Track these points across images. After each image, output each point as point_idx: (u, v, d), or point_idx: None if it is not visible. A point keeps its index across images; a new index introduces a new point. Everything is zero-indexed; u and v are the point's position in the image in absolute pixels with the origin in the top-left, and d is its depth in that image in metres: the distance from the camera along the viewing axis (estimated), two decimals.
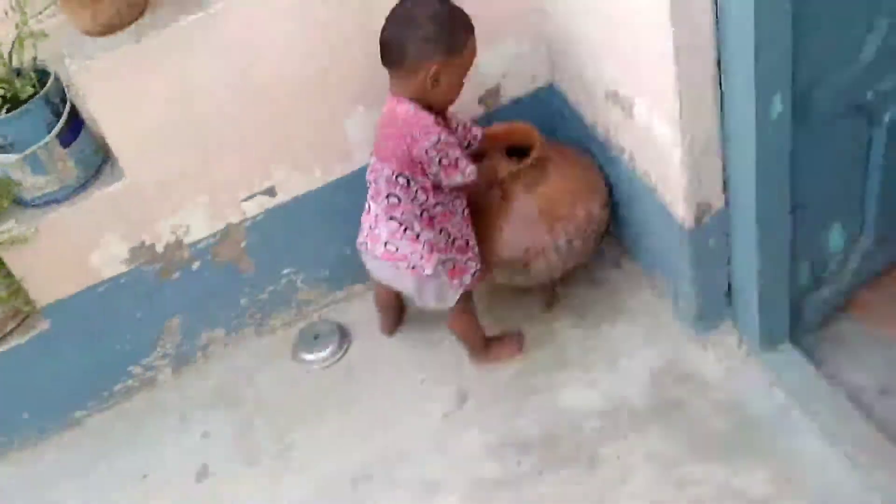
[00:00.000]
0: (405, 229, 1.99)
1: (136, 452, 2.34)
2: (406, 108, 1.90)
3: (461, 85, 1.95)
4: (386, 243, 2.02)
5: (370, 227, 2.06)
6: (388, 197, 1.97)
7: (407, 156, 1.90)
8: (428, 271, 2.01)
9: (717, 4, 1.64)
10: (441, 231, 2.03)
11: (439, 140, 1.88)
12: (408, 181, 1.94)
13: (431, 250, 2.01)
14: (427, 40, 1.85)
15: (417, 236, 2.00)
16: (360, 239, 2.10)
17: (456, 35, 1.87)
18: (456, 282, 2.09)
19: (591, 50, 2.04)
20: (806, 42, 1.65)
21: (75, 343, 2.31)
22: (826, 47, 1.71)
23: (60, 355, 2.31)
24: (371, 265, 2.12)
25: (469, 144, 2.11)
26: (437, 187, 1.98)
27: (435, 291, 2.09)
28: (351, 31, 2.09)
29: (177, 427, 2.37)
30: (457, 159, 1.92)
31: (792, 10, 1.58)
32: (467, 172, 1.95)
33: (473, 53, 1.93)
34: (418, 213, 1.99)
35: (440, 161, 1.90)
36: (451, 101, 1.98)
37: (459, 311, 2.18)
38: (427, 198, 1.98)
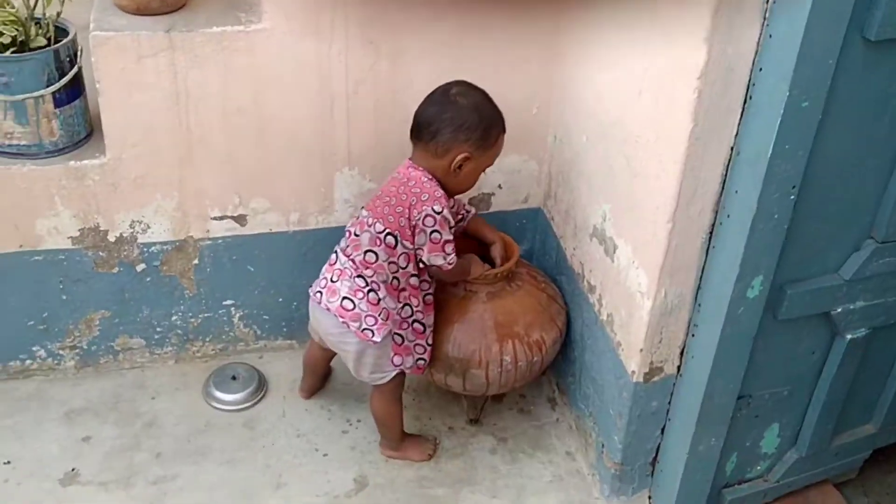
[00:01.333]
0: (370, 291, 1.95)
1: (6, 435, 2.18)
2: (422, 174, 1.90)
3: (478, 177, 1.97)
4: (344, 298, 1.96)
5: (330, 279, 2.00)
6: (366, 252, 1.93)
7: (405, 216, 1.89)
8: (377, 338, 1.96)
9: (725, 176, 1.68)
10: (404, 306, 2.00)
11: (442, 212, 1.88)
12: (396, 241, 1.91)
13: (387, 318, 1.97)
14: (462, 129, 1.86)
15: (378, 301, 1.95)
16: (315, 288, 2.04)
17: (490, 131, 1.89)
18: (398, 359, 2.04)
19: (589, 185, 2.08)
20: (798, 239, 1.70)
21: None
22: (814, 250, 1.75)
23: None
24: (318, 316, 2.04)
25: (462, 218, 2.12)
26: (419, 261, 1.95)
27: (374, 362, 2.03)
28: (369, 104, 2.12)
29: (59, 423, 2.23)
30: (446, 241, 1.91)
31: (795, 202, 1.62)
32: (449, 259, 1.93)
33: (499, 151, 1.96)
34: (389, 277, 1.95)
35: (431, 234, 1.89)
36: (464, 190, 1.99)
37: (387, 394, 2.11)
38: (407, 265, 1.95)
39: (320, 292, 2.01)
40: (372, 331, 1.96)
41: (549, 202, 2.37)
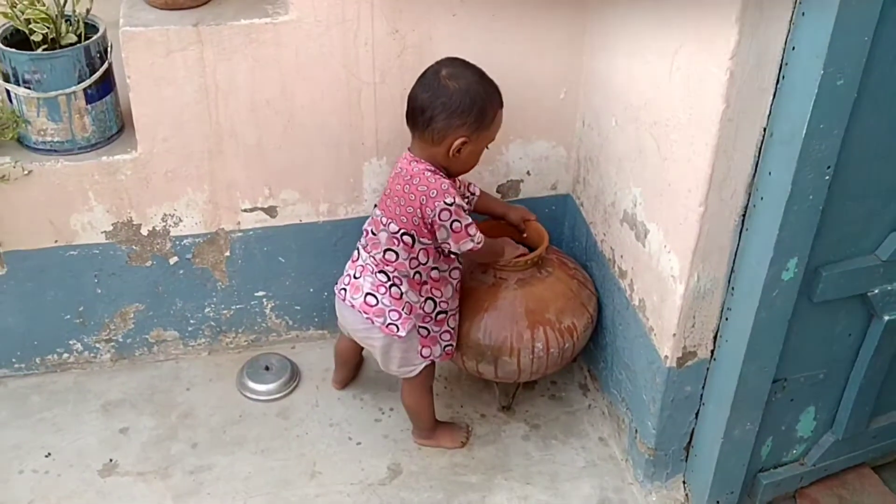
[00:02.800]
0: (391, 286, 1.95)
1: (46, 428, 2.22)
2: (423, 169, 1.88)
3: (480, 155, 1.95)
4: (367, 294, 1.97)
5: (353, 276, 2.01)
6: (385, 251, 1.93)
7: (417, 215, 1.88)
8: (402, 332, 1.96)
9: (758, 158, 1.67)
10: (427, 300, 1.99)
11: (454, 203, 1.87)
12: (413, 239, 1.91)
13: (410, 312, 1.97)
14: (457, 115, 1.83)
15: (401, 296, 1.96)
16: (340, 285, 2.05)
17: (486, 112, 1.86)
18: (426, 351, 2.04)
19: (618, 170, 2.06)
20: (833, 220, 1.67)
21: (25, 299, 2.22)
22: (850, 231, 1.73)
23: (5, 307, 2.22)
24: (344, 314, 2.06)
25: (468, 201, 2.10)
26: (439, 252, 1.95)
27: (401, 356, 2.03)
28: (396, 94, 2.11)
29: (97, 415, 2.26)
30: (467, 225, 1.91)
31: (830, 183, 1.60)
32: (477, 239, 1.92)
33: (499, 127, 1.93)
34: (410, 273, 1.95)
35: (452, 225, 1.88)
36: (468, 170, 1.97)
37: (417, 386, 2.12)
38: (427, 260, 1.95)
39: (344, 289, 2.02)
40: (396, 325, 1.96)
41: (578, 188, 2.36)
